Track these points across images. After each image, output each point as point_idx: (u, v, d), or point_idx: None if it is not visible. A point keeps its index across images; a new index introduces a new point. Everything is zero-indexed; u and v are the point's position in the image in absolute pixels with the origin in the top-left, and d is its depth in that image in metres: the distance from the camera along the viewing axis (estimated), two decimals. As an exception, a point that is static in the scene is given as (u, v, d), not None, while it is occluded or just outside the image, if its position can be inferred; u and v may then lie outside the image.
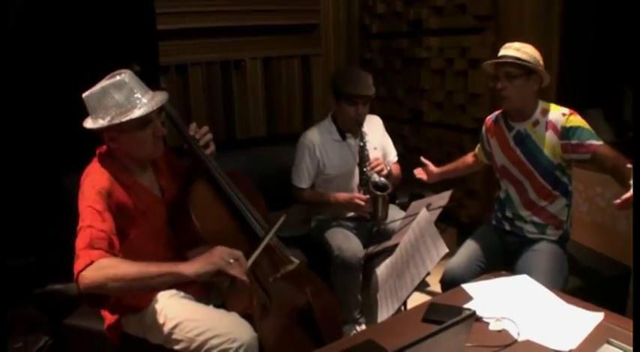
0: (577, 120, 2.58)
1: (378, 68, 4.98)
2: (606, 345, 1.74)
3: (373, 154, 3.22)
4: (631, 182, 2.31)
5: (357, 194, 3.14)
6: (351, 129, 3.25)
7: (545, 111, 2.66)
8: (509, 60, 2.58)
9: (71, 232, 2.35)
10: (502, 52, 2.64)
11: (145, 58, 3.50)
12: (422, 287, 3.59)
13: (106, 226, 1.90)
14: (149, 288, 2.05)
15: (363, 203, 3.08)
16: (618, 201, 2.28)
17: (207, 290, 2.33)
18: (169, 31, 3.98)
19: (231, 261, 1.90)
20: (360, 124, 3.17)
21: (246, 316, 2.18)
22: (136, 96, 2.00)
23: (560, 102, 3.53)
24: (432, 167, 3.17)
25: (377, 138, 3.34)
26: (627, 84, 3.50)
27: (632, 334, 1.80)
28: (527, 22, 3.61)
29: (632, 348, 1.69)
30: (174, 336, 2.09)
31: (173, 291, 2.21)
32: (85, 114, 2.06)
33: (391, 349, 1.25)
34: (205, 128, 2.37)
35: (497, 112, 2.90)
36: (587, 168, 2.76)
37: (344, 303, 3.12)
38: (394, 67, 4.85)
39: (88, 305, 1.94)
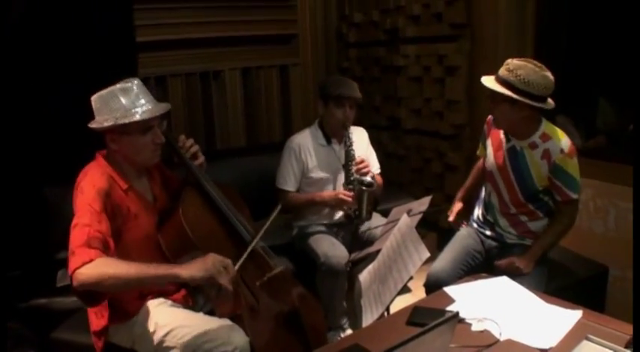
0: (571, 165, 2.56)
1: (356, 76, 5.01)
2: (585, 341, 1.79)
3: (360, 157, 3.27)
4: (531, 249, 2.63)
5: (342, 190, 3.21)
6: (337, 132, 3.33)
7: (547, 138, 2.58)
8: (489, 86, 2.50)
9: (55, 245, 2.35)
10: (499, 70, 2.52)
11: (124, 70, 3.53)
12: (404, 291, 3.62)
13: (102, 227, 1.95)
14: (144, 287, 2.14)
15: (348, 198, 3.14)
16: (502, 261, 2.58)
17: (193, 296, 2.37)
18: (148, 42, 3.99)
19: (222, 269, 1.97)
20: (346, 127, 3.24)
21: (235, 319, 2.22)
22: (141, 102, 2.11)
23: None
24: (457, 206, 3.06)
25: (361, 149, 3.39)
26: (601, 91, 3.58)
27: (610, 330, 1.87)
28: (502, 30, 3.68)
29: (609, 343, 1.75)
30: (165, 344, 2.11)
31: (161, 300, 2.23)
32: (69, 124, 2.11)
33: (379, 351, 1.28)
34: (190, 140, 2.45)
35: None
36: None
37: (330, 309, 3.15)
38: (372, 75, 4.89)
39: (82, 301, 1.98)
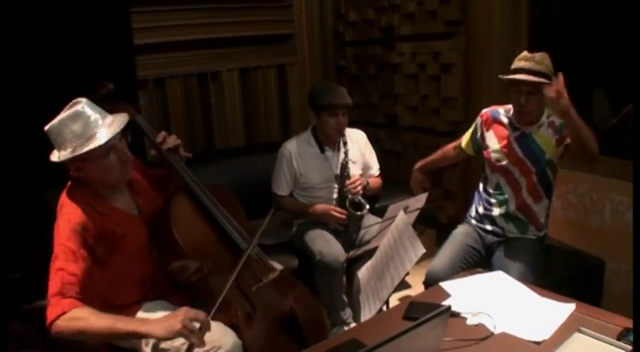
0: None
1: (353, 75, 5.06)
2: (577, 334, 1.83)
3: (352, 168, 3.32)
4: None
5: (333, 207, 3.26)
6: (331, 141, 3.34)
7: (549, 115, 2.73)
8: (535, 80, 2.55)
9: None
10: (521, 64, 2.62)
11: (122, 73, 3.56)
12: (403, 287, 3.66)
13: (77, 268, 1.93)
14: (115, 340, 2.10)
15: (339, 216, 3.21)
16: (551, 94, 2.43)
17: (191, 300, 2.37)
18: (146, 45, 4.02)
19: (196, 324, 1.90)
20: (342, 134, 3.27)
21: (231, 325, 2.22)
22: (93, 124, 2.02)
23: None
24: (417, 177, 3.20)
25: (357, 153, 3.43)
26: (596, 86, 3.60)
27: (602, 322, 1.90)
28: (496, 27, 3.71)
29: (601, 335, 1.78)
30: (161, 346, 2.12)
31: (159, 302, 2.26)
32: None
33: (374, 343, 1.31)
34: (173, 136, 2.40)
35: (497, 107, 2.92)
36: (559, 165, 2.85)
37: (330, 306, 3.20)
38: (368, 73, 4.92)
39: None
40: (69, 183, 2.14)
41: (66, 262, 1.92)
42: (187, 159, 2.45)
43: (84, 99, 2.06)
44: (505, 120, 2.85)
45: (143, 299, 2.25)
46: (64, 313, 1.85)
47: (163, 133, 2.40)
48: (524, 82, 2.58)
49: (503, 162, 2.82)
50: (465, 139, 3.06)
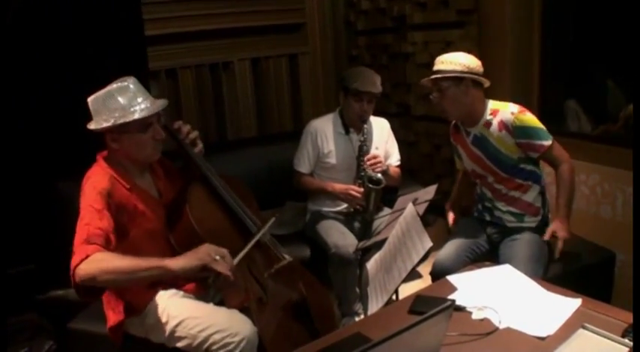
0: (526, 119, 2.66)
1: (365, 64, 5.01)
2: (581, 330, 1.82)
3: (373, 153, 3.33)
4: (558, 213, 2.68)
5: (352, 186, 3.27)
6: (355, 124, 3.39)
7: (496, 112, 2.73)
8: (433, 77, 2.70)
9: (70, 238, 2.41)
10: (433, 69, 2.74)
11: (134, 64, 3.58)
12: (414, 277, 3.67)
13: (103, 224, 1.99)
14: (139, 282, 2.14)
15: (357, 195, 3.22)
16: (545, 236, 2.64)
17: (205, 288, 2.40)
18: (157, 36, 4.04)
19: (217, 257, 2.01)
20: (364, 121, 3.30)
21: (244, 310, 2.26)
22: (138, 100, 2.14)
23: (543, 93, 3.62)
24: (451, 217, 3.11)
25: (380, 139, 3.46)
26: (609, 75, 3.56)
27: (608, 318, 1.90)
28: (509, 15, 3.68)
29: (605, 332, 1.78)
30: (177, 334, 2.17)
31: (173, 291, 2.29)
32: (81, 119, 2.16)
33: (375, 340, 1.32)
34: (188, 126, 2.48)
35: (454, 121, 2.99)
36: (571, 156, 2.84)
37: (343, 297, 3.22)
38: (380, 62, 4.89)
39: (83, 297, 2.02)
40: (96, 162, 2.23)
41: (92, 219, 1.98)
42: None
43: (132, 78, 2.19)
44: (460, 127, 2.91)
45: (157, 285, 2.29)
46: (87, 257, 1.88)
47: (180, 123, 2.47)
48: (431, 82, 2.74)
49: (473, 167, 2.91)
50: (456, 162, 3.15)
